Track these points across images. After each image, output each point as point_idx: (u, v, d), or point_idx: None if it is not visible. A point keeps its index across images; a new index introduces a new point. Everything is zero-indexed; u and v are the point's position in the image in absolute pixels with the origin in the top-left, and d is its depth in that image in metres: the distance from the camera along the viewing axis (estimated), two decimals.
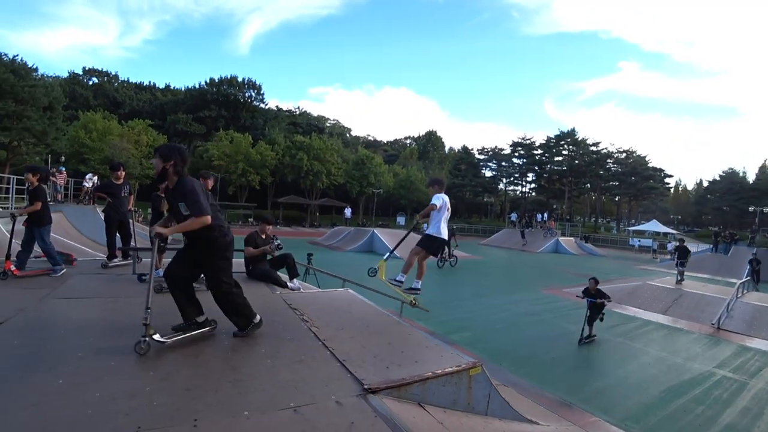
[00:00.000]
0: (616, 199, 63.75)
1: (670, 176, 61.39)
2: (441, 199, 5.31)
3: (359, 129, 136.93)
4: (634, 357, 8.55)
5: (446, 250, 17.69)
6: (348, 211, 43.71)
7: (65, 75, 55.08)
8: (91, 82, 57.73)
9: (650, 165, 57.86)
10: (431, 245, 5.45)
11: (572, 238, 35.98)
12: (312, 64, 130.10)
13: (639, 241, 32.63)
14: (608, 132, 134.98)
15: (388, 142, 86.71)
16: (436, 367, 3.41)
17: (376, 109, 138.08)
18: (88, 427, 2.23)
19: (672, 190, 72.57)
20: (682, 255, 16.26)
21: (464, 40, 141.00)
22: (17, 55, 31.24)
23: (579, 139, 59.14)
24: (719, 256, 27.33)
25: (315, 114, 74.09)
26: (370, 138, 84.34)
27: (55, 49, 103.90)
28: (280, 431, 2.34)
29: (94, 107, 46.98)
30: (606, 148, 58.95)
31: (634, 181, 55.76)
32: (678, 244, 18.12)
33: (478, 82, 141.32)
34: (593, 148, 58.91)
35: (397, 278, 5.41)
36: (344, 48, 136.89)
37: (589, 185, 61.71)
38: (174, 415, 2.40)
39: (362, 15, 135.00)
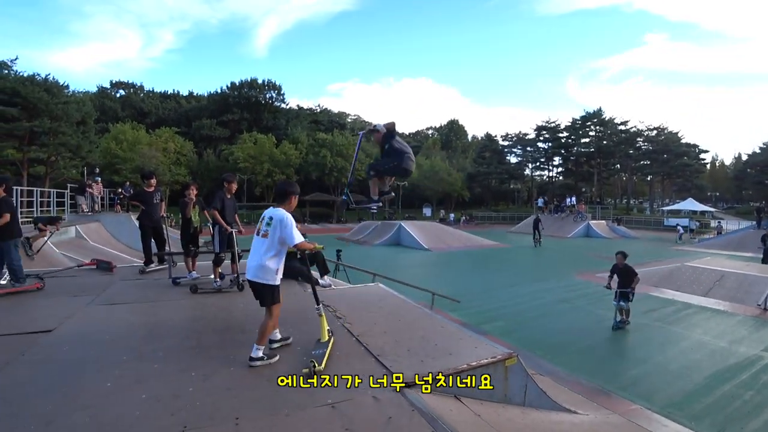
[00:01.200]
0: (648, 178, 61.50)
1: (706, 151, 59.04)
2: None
3: (380, 123, 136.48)
4: (675, 342, 8.26)
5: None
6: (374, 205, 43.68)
7: (94, 90, 57.16)
8: (118, 95, 59.74)
9: (683, 141, 55.62)
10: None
11: (603, 221, 34.98)
12: (329, 61, 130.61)
13: (680, 229, 31.12)
14: (637, 109, 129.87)
15: (410, 133, 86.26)
16: (471, 359, 3.39)
17: (397, 101, 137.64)
18: (137, 427, 2.33)
19: (708, 166, 69.56)
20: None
21: (481, 25, 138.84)
22: (49, 74, 32.62)
23: (606, 118, 57.35)
24: (763, 233, 26.04)
25: (336, 110, 74.35)
26: None
27: (82, 66, 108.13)
28: (320, 428, 2.37)
29: (122, 119, 48.58)
30: (635, 127, 57.06)
31: (667, 159, 53.69)
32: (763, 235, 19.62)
33: (498, 67, 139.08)
34: (621, 127, 57.04)
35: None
36: (360, 42, 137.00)
37: (618, 166, 59.82)
38: (216, 415, 2.47)
39: (376, 8, 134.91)
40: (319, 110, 69.91)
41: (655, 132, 56.18)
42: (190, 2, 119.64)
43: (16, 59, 30.88)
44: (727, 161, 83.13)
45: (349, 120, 74.67)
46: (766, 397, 5.92)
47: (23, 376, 3.02)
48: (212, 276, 6.08)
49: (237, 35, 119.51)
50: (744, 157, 65.34)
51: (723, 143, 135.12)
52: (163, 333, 3.94)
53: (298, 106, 66.14)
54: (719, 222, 36.32)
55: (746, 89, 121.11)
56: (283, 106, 60.36)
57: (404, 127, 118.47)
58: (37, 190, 14.81)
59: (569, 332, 8.86)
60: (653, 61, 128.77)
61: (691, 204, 42.98)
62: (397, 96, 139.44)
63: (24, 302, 5.08)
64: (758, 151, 57.68)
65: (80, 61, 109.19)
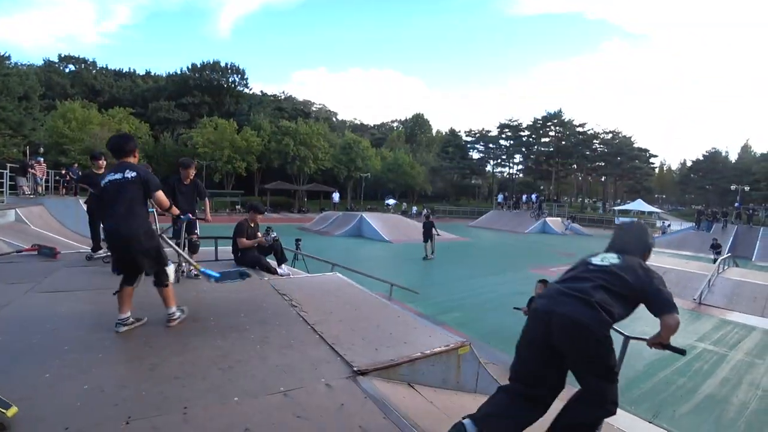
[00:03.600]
0: (602, 179, 64.74)
1: (655, 156, 62.40)
2: None
3: (346, 113, 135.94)
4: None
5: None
6: (336, 196, 43.58)
7: (40, 63, 53.40)
8: (67, 70, 56.08)
9: (635, 145, 58.69)
10: None
11: (559, 219, 36.42)
12: (296, 47, 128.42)
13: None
14: (594, 113, 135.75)
15: (375, 125, 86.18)
16: (425, 348, 3.46)
17: (364, 92, 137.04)
18: (78, 419, 2.23)
19: (657, 170, 73.68)
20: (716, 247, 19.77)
21: (451, 21, 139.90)
22: None
23: (566, 120, 59.51)
24: (701, 234, 27.90)
25: (301, 98, 73.14)
26: (357, 122, 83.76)
27: (28, 37, 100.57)
28: (271, 415, 2.36)
29: (72, 96, 45.71)
30: (592, 129, 59.61)
31: (620, 162, 56.48)
32: (713, 242, 20.96)
33: (465, 64, 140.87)
34: (580, 129, 59.41)
35: None
36: (328, 30, 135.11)
37: (575, 166, 62.39)
38: (163, 404, 2.41)
39: None
40: (283, 97, 68.55)
41: (610, 135, 58.96)
42: None
43: None
44: (674, 166, 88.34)
45: (314, 109, 73.63)
46: (697, 383, 6.41)
47: None
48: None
49: (199, 14, 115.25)
50: (689, 164, 69.74)
51: (670, 149, 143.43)
52: (110, 322, 3.77)
53: (261, 92, 64.67)
54: (664, 222, 38.66)
55: (695, 100, 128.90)
56: (247, 91, 58.74)
57: (370, 119, 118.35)
58: None
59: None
60: (610, 67, 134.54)
61: (639, 205, 45.48)
62: (364, 86, 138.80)
63: None
64: (701, 158, 61.75)
65: (26, 31, 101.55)
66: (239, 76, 56.73)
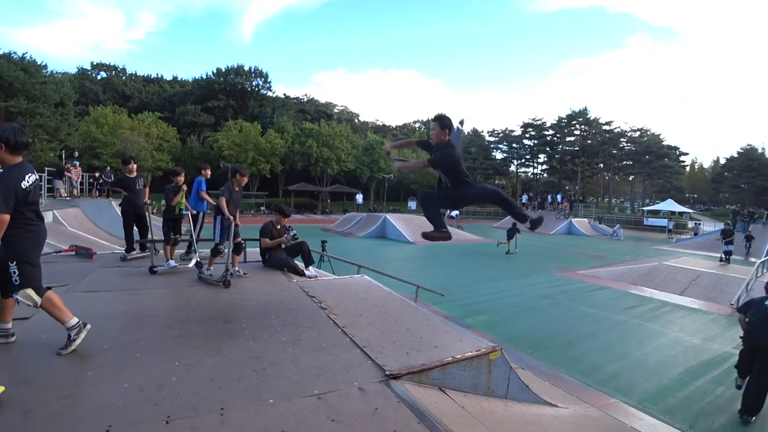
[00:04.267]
0: (630, 178, 62.85)
1: (686, 154, 60.35)
2: None
3: (367, 114, 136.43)
4: (652, 338, 8.48)
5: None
6: (359, 197, 43.78)
7: (74, 71, 55.46)
8: (99, 77, 58.10)
9: (665, 143, 56.79)
10: None
11: (585, 220, 35.63)
12: (316, 50, 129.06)
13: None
14: (621, 110, 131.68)
15: (397, 126, 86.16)
16: (455, 352, 3.42)
17: (384, 93, 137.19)
18: (119, 418, 2.29)
19: (687, 168, 71.21)
20: (727, 235, 18.49)
21: (471, 20, 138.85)
22: (26, 53, 31.53)
23: (591, 118, 58.12)
24: (738, 236, 26.87)
25: (323, 101, 73.74)
26: (378, 123, 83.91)
27: (61, 47, 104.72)
28: (306, 418, 2.37)
29: (103, 102, 47.31)
30: (619, 127, 57.96)
31: (648, 160, 54.76)
32: (724, 227, 20.21)
33: (486, 62, 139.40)
34: (606, 127, 57.89)
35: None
36: (347, 32, 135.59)
37: (602, 165, 60.83)
38: (200, 405, 2.44)
39: None
40: (305, 99, 69.26)
41: (638, 133, 57.25)
42: None
43: None
44: (706, 164, 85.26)
45: (336, 110, 74.14)
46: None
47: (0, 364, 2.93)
48: (190, 264, 6.07)
49: (222, 20, 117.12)
50: (722, 161, 67.20)
51: (703, 147, 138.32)
52: (145, 322, 3.88)
53: (284, 94, 65.49)
54: (696, 223, 37.36)
55: (727, 95, 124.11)
56: (270, 94, 59.61)
57: (392, 120, 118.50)
58: None
59: (550, 327, 9.02)
60: (636, 63, 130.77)
61: (670, 205, 44.00)
62: (384, 87, 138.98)
63: None
64: (736, 155, 59.32)
65: (59, 41, 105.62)
66: (262, 79, 57.63)
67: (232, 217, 5.56)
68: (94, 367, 2.89)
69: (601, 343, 8.30)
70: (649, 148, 54.93)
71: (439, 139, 4.09)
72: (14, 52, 30.30)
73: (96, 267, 6.30)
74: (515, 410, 3.68)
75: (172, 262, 6.23)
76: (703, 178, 78.18)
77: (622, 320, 9.58)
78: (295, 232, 6.72)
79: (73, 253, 7.47)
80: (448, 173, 3.98)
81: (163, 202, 6.88)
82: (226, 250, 5.57)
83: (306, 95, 70.94)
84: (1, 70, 27.77)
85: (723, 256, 17.63)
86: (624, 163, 59.02)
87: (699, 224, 35.75)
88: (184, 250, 7.34)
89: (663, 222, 37.15)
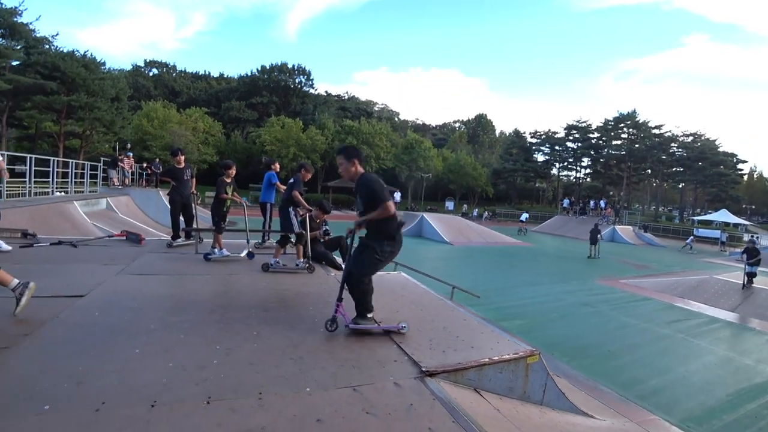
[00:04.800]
0: (680, 186, 59.65)
1: (744, 162, 56.74)
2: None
3: (407, 113, 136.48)
4: (698, 356, 8.03)
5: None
6: (397, 196, 43.81)
7: (128, 68, 58.48)
8: (151, 74, 61.02)
9: (721, 149, 53.58)
10: None
11: (630, 227, 34.15)
12: (359, 48, 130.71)
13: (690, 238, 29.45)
14: (673, 114, 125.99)
15: (436, 125, 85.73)
16: (492, 354, 3.35)
17: (425, 92, 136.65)
18: (164, 394, 2.38)
19: (745, 177, 66.83)
20: (752, 255, 13.60)
21: (516, 18, 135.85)
22: (87, 51, 33.51)
23: (640, 121, 55.68)
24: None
25: (363, 98, 74.36)
26: (418, 122, 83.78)
27: (117, 45, 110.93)
28: (341, 408, 2.38)
29: (154, 97, 49.70)
30: (670, 131, 55.32)
31: (702, 167, 51.86)
32: (747, 245, 15.30)
33: (530, 62, 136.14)
34: (656, 131, 55.32)
35: None
36: (390, 30, 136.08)
37: (649, 171, 58.11)
38: (239, 388, 2.51)
39: None
40: (347, 97, 70.09)
41: (690, 138, 54.32)
42: None
43: (56, 35, 31.97)
44: (766, 173, 79.71)
45: (377, 108, 74.56)
46: None
47: (58, 336, 3.13)
48: (243, 253, 6.38)
49: (268, 19, 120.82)
50: None
51: (763, 154, 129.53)
52: (189, 305, 4.02)
53: (326, 92, 66.56)
54: (753, 236, 34.99)
55: None
56: (312, 91, 60.72)
57: (432, 119, 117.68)
58: (72, 162, 15.29)
59: (589, 336, 8.71)
60: (692, 64, 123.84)
61: (724, 215, 41.44)
62: (426, 86, 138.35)
63: (60, 268, 5.26)
64: None
65: (116, 40, 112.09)
66: (305, 77, 58.77)
67: (309, 208, 5.79)
68: (141, 345, 3.02)
69: (642, 355, 7.93)
70: (702, 155, 51.97)
71: (350, 174, 3.63)
72: (77, 50, 32.31)
73: (144, 252, 6.60)
74: (551, 417, 3.57)
75: (225, 251, 6.42)
76: (762, 188, 73.20)
77: (666, 334, 9.12)
78: (327, 227, 6.83)
79: (124, 238, 7.88)
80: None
81: (205, 194, 7.14)
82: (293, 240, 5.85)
83: (347, 93, 71.87)
84: (66, 66, 29.62)
85: (746, 279, 13.38)
86: (674, 169, 56.08)
87: (756, 237, 33.49)
88: (257, 240, 7.72)
89: (715, 233, 35.05)
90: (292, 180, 6.04)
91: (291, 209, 5.85)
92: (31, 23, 29.76)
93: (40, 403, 2.23)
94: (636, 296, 12.71)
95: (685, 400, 6.07)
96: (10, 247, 5.94)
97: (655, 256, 24.38)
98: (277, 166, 7.81)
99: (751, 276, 13.35)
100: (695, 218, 47.35)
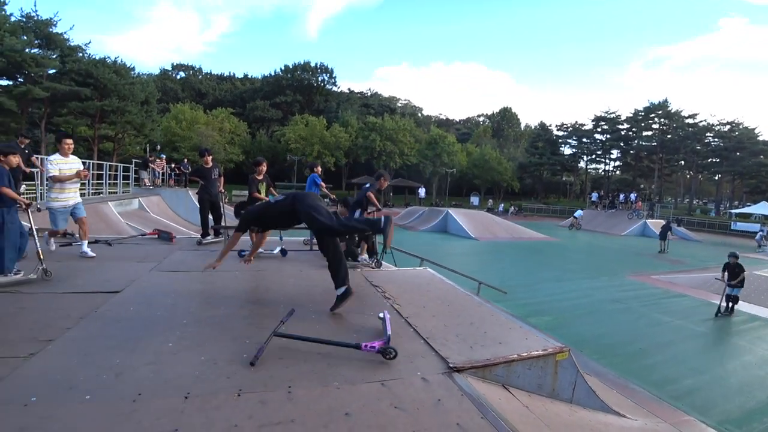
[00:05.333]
0: (716, 177, 57.07)
1: None
2: None
3: (431, 108, 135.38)
4: (737, 355, 7.71)
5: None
6: (422, 191, 43.73)
7: (157, 72, 60.15)
8: (179, 77, 62.57)
9: (760, 138, 50.97)
10: None
11: (662, 221, 32.98)
12: (380, 45, 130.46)
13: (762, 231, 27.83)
14: (708, 102, 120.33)
15: (460, 120, 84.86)
16: (521, 350, 3.31)
17: (448, 86, 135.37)
18: (197, 386, 2.46)
19: None
20: (734, 275, 10.19)
21: (537, 8, 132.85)
22: (118, 57, 34.63)
23: (672, 110, 53.52)
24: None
25: (386, 95, 74.22)
26: (442, 117, 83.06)
27: (146, 50, 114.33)
28: (369, 403, 2.40)
29: (182, 99, 50.95)
30: (705, 120, 52.74)
31: (740, 158, 49.45)
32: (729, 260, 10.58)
33: (555, 52, 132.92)
34: (689, 121, 53.01)
35: None
36: (410, 25, 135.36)
37: (683, 162, 55.79)
38: (269, 382, 2.56)
39: None
40: (369, 94, 70.16)
41: (727, 127, 51.76)
42: None
43: (89, 43, 32.97)
44: None
45: (399, 104, 74.33)
46: None
47: (96, 330, 3.26)
48: (275, 251, 6.63)
49: (289, 19, 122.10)
50: None
51: None
52: (219, 301, 4.12)
53: (349, 89, 66.79)
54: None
55: None
56: (335, 89, 61.04)
57: (455, 114, 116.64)
58: (106, 165, 15.86)
59: (620, 334, 8.50)
60: (729, 49, 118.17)
61: (764, 208, 39.53)
62: (448, 81, 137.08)
63: (97, 265, 5.47)
64: None
65: (144, 45, 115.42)
66: (328, 75, 59.14)
67: (379, 207, 6.37)
68: (174, 339, 3.12)
69: (676, 354, 7.68)
70: (740, 144, 49.60)
71: None
72: (108, 57, 33.44)
73: (175, 249, 6.79)
74: (580, 415, 3.50)
75: (260, 249, 6.56)
76: None
77: (702, 332, 8.81)
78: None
79: (156, 236, 8.13)
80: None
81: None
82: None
83: (370, 90, 71.92)
84: (98, 73, 30.73)
85: (723, 305, 10.15)
86: (709, 160, 53.64)
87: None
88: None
89: (755, 227, 33.46)
90: (368, 185, 6.50)
91: (358, 211, 6.35)
92: (65, 33, 30.90)
93: (82, 393, 2.33)
94: (669, 292, 12.31)
95: (722, 402, 5.85)
96: (53, 248, 6.17)
97: (689, 250, 23.53)
98: (319, 168, 8.56)
99: (732, 300, 10.17)
100: (732, 211, 45.34)
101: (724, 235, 34.46)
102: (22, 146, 8.92)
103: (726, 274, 10.19)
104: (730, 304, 10.14)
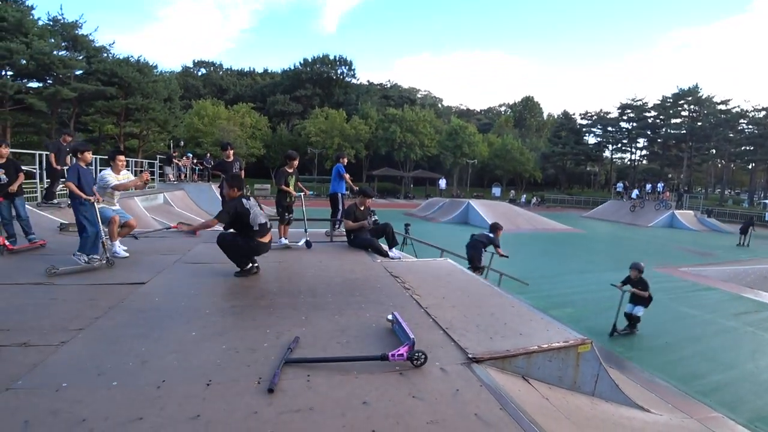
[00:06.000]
0: (750, 166, 54.74)
1: None
2: None
3: (451, 99, 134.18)
4: None
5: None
6: (442, 183, 43.48)
7: (179, 69, 61.17)
8: (200, 73, 63.50)
9: None
10: None
11: (691, 212, 31.91)
12: (399, 36, 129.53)
13: None
14: (742, 87, 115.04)
15: (481, 110, 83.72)
16: (542, 341, 3.26)
17: (468, 76, 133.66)
18: (219, 374, 2.52)
19: None
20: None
21: None
22: (141, 56, 35.38)
23: (702, 96, 51.49)
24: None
25: (406, 86, 73.72)
26: (462, 107, 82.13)
27: (169, 48, 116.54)
28: (387, 392, 2.41)
29: (204, 95, 51.73)
30: (738, 106, 50.46)
31: None
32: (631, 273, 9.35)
33: (578, 40, 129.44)
34: (721, 107, 50.87)
35: None
36: (429, 15, 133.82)
37: (714, 151, 53.61)
38: (289, 369, 2.59)
39: None
40: (389, 86, 69.84)
41: (763, 113, 49.44)
42: None
43: (113, 43, 33.86)
44: None
45: (420, 95, 73.78)
46: None
47: (123, 319, 3.37)
48: (301, 242, 6.73)
49: (306, 12, 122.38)
50: None
51: None
52: (240, 292, 4.20)
53: (368, 81, 66.65)
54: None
55: None
56: (354, 81, 60.99)
57: (476, 104, 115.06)
58: (132, 161, 16.27)
59: (645, 327, 8.26)
60: (763, 30, 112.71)
61: None
62: (469, 70, 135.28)
63: (124, 258, 5.63)
64: None
65: (166, 42, 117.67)
66: (347, 67, 59.06)
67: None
68: (197, 328, 3.19)
69: (704, 349, 7.42)
70: None
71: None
72: (131, 56, 34.17)
73: (199, 242, 6.94)
74: (602, 409, 3.44)
75: (284, 240, 6.66)
76: None
77: (732, 326, 8.50)
78: (376, 217, 6.86)
79: (180, 230, 8.30)
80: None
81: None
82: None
83: (389, 81, 71.58)
84: (122, 72, 31.50)
85: (618, 326, 7.80)
86: (743, 148, 51.36)
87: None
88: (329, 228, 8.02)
89: None
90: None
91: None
92: (90, 34, 31.76)
93: (110, 379, 2.42)
94: (698, 285, 11.92)
95: (752, 399, 5.63)
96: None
97: (719, 242, 22.72)
98: (345, 159, 8.27)
99: (633, 320, 7.97)
100: (767, 201, 43.55)
101: (758, 226, 33.09)
102: (65, 144, 9.20)
103: (629, 286, 8.16)
104: (630, 322, 7.95)
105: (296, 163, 6.93)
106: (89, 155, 5.47)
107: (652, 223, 28.96)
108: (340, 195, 7.92)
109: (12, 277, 4.49)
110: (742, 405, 5.43)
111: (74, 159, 5.72)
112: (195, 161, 22.90)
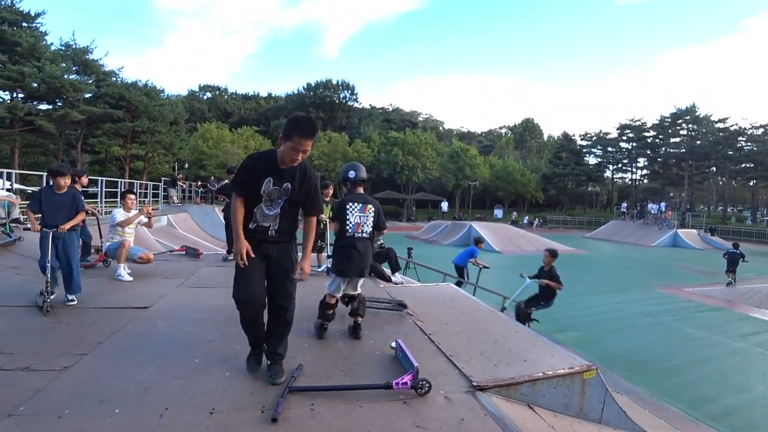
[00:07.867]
0: (751, 183, 54.67)
1: None
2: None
3: (452, 121, 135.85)
4: None
5: None
6: (444, 205, 43.61)
7: (185, 93, 62.37)
8: (205, 97, 64.65)
9: None
10: None
11: (694, 230, 31.83)
12: (399, 60, 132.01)
13: None
14: (739, 105, 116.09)
15: (482, 132, 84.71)
16: (546, 368, 3.23)
17: (468, 99, 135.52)
18: (222, 402, 2.50)
19: None
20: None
21: (553, 20, 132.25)
22: (148, 80, 36.14)
23: (700, 115, 51.91)
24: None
25: (407, 109, 74.78)
26: (463, 130, 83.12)
27: (175, 72, 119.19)
28: (392, 422, 2.38)
29: (209, 119, 52.50)
30: (736, 124, 50.61)
31: None
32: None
33: (577, 62, 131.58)
34: (719, 125, 51.17)
35: None
36: (429, 40, 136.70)
37: (714, 169, 53.69)
38: (292, 398, 2.57)
39: (443, 5, 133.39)
40: (391, 109, 70.76)
41: (761, 130, 49.57)
42: (265, 10, 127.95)
43: (122, 68, 34.68)
44: None
45: (421, 118, 74.70)
46: None
47: (126, 344, 3.36)
48: (320, 269, 6.54)
49: (309, 39, 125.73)
50: None
51: None
52: None
53: (370, 105, 67.59)
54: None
55: None
56: (357, 105, 61.91)
57: (477, 127, 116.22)
58: (137, 183, 16.43)
59: (652, 349, 8.18)
60: (759, 48, 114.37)
61: None
62: (468, 94, 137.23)
63: (127, 281, 5.65)
64: None
65: (172, 67, 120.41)
66: (349, 91, 60.07)
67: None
68: (200, 354, 3.18)
69: (713, 371, 7.31)
70: None
71: None
72: (139, 80, 35.02)
73: (202, 265, 6.96)
74: None
75: (323, 267, 6.43)
76: None
77: (741, 348, 8.39)
78: (382, 241, 6.86)
79: (184, 252, 8.33)
80: None
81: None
82: None
83: (391, 105, 72.58)
84: (130, 96, 32.19)
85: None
86: (743, 165, 51.45)
87: None
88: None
89: None
90: None
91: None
92: (100, 59, 32.57)
93: (112, 406, 2.40)
94: (704, 306, 11.82)
95: (765, 424, 5.53)
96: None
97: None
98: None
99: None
100: None
101: (762, 243, 32.96)
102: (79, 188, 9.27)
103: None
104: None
105: (330, 191, 6.86)
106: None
107: (655, 242, 28.88)
108: None
109: (15, 299, 4.49)
110: (755, 430, 5.33)
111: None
112: (199, 183, 23.08)
